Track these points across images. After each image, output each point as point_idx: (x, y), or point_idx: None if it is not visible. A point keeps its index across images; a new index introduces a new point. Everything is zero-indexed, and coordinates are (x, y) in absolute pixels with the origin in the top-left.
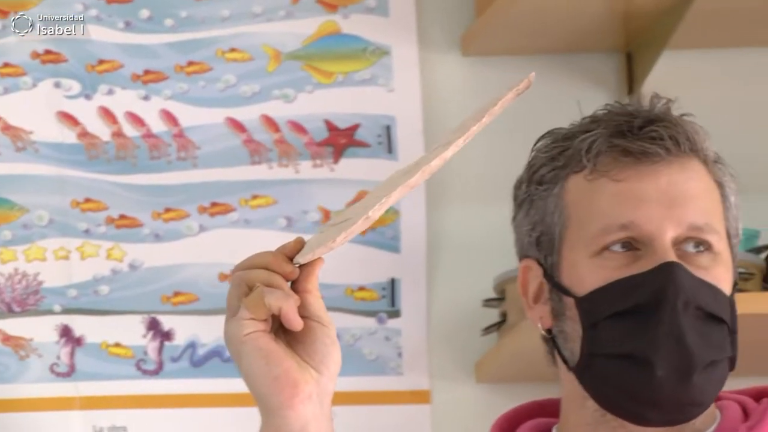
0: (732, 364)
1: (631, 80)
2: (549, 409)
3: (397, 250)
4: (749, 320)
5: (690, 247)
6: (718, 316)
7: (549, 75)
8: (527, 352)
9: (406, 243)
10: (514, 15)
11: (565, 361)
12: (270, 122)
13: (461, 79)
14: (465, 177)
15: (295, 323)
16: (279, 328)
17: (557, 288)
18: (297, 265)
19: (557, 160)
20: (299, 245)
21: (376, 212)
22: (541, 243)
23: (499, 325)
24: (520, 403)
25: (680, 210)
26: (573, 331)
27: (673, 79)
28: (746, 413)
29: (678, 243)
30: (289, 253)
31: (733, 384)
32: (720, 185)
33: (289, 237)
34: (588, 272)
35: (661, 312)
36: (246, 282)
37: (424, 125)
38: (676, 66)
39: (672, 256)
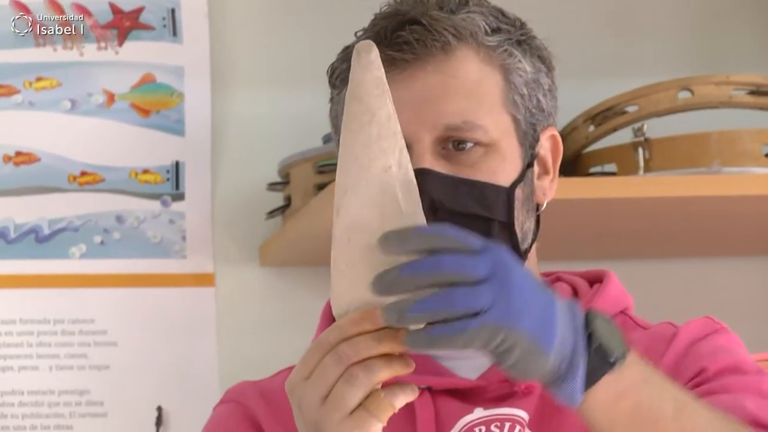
0: (518, 253)
1: None
2: None
3: (182, 133)
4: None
5: (452, 147)
6: (480, 214)
7: None
8: (311, 236)
9: (190, 126)
10: None
11: None
12: (54, 4)
13: None
14: (250, 59)
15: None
16: None
17: None
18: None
19: (344, 63)
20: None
21: None
22: (338, 144)
23: (284, 209)
24: (304, 286)
25: (433, 113)
26: None
27: None
28: (576, 296)
29: (442, 143)
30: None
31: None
32: (504, 68)
33: (73, 119)
34: None
35: None
36: (366, 384)
37: (209, 8)
38: None
39: (424, 162)
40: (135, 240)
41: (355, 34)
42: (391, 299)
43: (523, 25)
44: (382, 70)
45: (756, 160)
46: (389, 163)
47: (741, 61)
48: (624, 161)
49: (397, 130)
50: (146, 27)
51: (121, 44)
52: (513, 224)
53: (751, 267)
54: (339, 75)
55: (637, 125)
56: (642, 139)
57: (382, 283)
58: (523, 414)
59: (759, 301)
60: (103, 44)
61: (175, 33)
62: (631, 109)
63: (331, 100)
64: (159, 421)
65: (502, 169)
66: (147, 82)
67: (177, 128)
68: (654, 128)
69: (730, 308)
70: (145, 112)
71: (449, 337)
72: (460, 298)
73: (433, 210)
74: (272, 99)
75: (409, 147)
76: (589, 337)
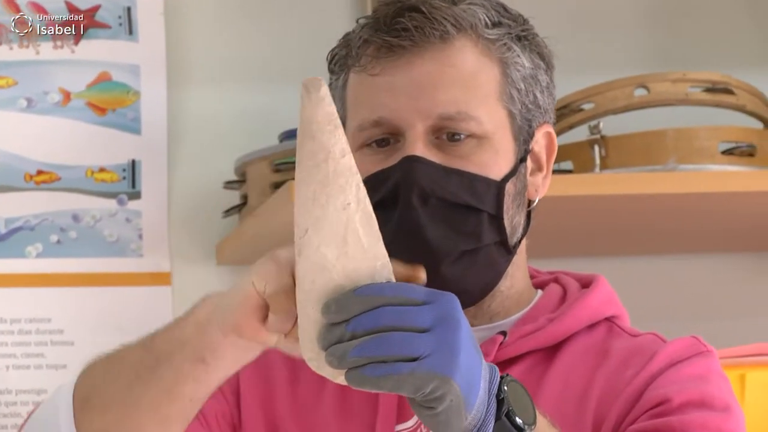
0: (506, 247)
1: None
2: None
3: (138, 132)
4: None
5: (446, 137)
6: (470, 205)
7: None
8: (268, 234)
9: (146, 124)
10: None
11: None
12: (11, 3)
13: None
14: (206, 58)
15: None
16: None
17: None
18: None
19: (342, 50)
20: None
21: None
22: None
23: (240, 207)
24: None
25: (428, 101)
26: None
27: None
28: (564, 300)
29: (435, 132)
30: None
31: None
32: (502, 62)
33: (29, 118)
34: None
35: (398, 208)
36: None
37: (165, 6)
38: None
39: (416, 150)
40: (91, 239)
41: (357, 20)
42: None
43: (524, 21)
44: (333, 105)
45: (712, 158)
46: (348, 200)
47: (697, 59)
48: (580, 159)
49: (351, 165)
50: (102, 25)
51: (77, 43)
52: (502, 218)
53: (708, 264)
54: (337, 61)
55: (593, 123)
56: (598, 136)
57: (327, 342)
58: None
59: (715, 297)
60: (59, 43)
61: (131, 31)
62: (587, 106)
63: (330, 86)
64: None
65: (494, 162)
66: (103, 81)
67: (133, 127)
68: (610, 126)
69: (688, 305)
70: (102, 111)
71: (381, 377)
72: (397, 342)
73: (423, 198)
74: (229, 97)
75: (402, 134)
76: (501, 402)
